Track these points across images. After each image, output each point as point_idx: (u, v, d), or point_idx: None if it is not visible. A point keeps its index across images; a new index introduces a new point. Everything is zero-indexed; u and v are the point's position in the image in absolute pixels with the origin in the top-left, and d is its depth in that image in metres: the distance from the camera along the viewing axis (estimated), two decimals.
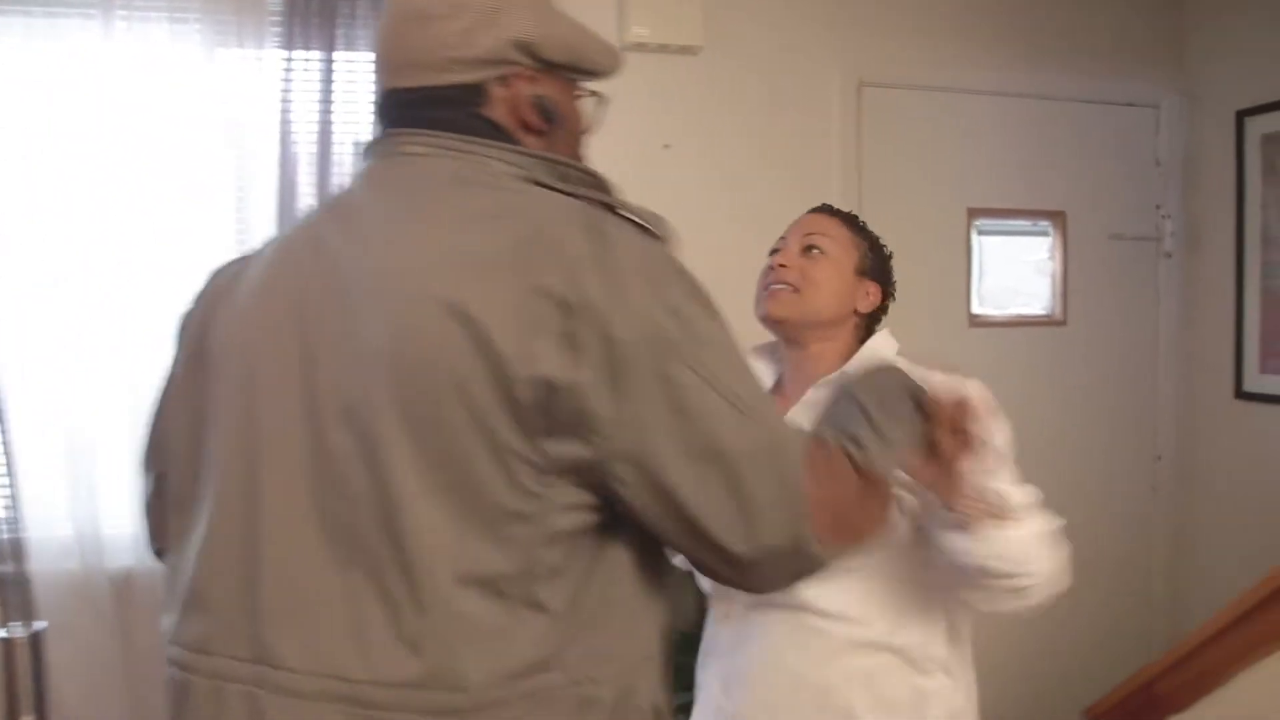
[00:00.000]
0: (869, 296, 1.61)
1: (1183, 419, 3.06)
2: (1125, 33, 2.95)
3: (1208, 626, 2.17)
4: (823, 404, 1.26)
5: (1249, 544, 2.78)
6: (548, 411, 0.79)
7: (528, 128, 1.01)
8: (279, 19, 2.28)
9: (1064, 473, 2.65)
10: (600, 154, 2.41)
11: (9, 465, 2.11)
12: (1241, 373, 2.86)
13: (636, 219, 0.96)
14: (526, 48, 0.99)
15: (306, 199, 2.30)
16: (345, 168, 2.31)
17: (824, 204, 1.68)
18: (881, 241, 1.66)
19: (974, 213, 2.83)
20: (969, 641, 1.59)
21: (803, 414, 1.55)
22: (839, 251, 1.59)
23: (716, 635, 1.58)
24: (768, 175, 2.62)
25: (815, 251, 1.58)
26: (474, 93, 0.97)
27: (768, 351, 1.69)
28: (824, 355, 1.58)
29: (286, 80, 2.29)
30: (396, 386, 0.81)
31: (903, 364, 1.43)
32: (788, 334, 1.61)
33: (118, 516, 2.24)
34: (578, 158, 1.09)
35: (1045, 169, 2.92)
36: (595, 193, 0.98)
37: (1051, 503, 1.35)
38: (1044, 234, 2.98)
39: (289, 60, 2.29)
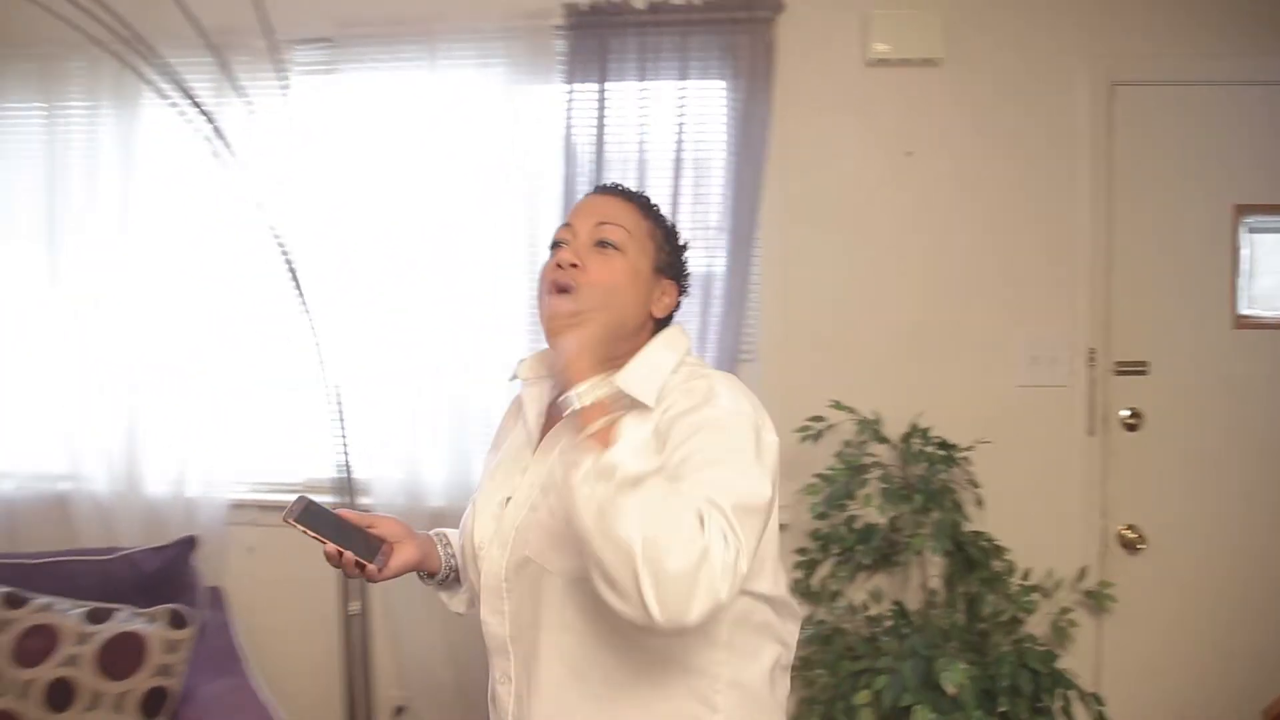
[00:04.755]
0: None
1: None
2: None
3: None
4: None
5: None
6: None
7: None
8: (563, 58, 2.89)
9: None
10: (844, 163, 2.83)
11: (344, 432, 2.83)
12: None
13: None
14: None
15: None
16: (615, 174, 2.86)
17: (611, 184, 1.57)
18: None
19: (1242, 209, 2.91)
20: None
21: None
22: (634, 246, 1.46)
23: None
24: (1011, 179, 2.88)
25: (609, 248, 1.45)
26: None
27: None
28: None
29: (569, 106, 2.89)
30: None
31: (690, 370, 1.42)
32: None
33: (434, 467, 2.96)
34: None
35: None
36: None
37: None
38: None
39: (570, 91, 2.89)
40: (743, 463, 1.25)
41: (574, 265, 1.40)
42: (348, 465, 2.50)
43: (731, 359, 2.82)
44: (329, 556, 1.42)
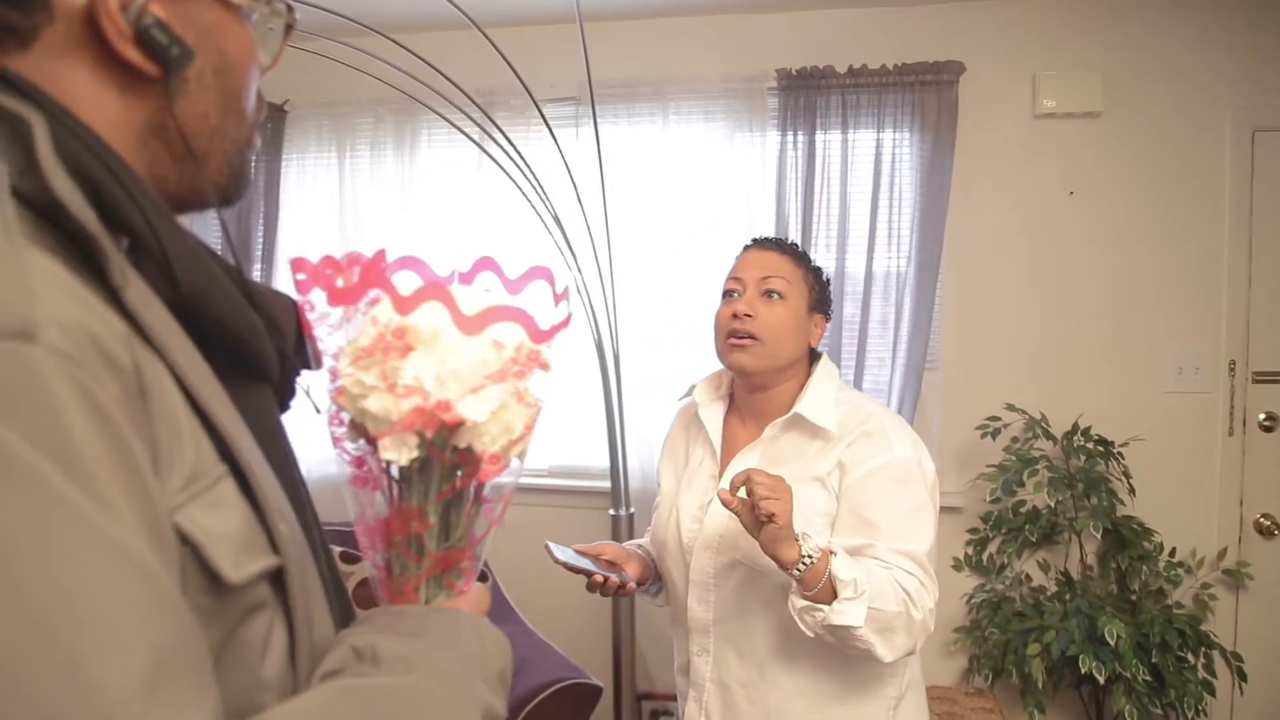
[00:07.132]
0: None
1: None
2: None
3: None
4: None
5: None
6: None
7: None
8: (775, 114, 3.54)
9: None
10: (1016, 201, 3.43)
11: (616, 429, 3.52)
12: None
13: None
14: None
15: (795, 233, 3.52)
16: (820, 212, 3.50)
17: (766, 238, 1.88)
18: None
19: None
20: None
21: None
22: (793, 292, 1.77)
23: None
24: (1162, 213, 3.43)
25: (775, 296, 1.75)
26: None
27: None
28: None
29: (780, 154, 3.54)
30: None
31: (845, 395, 1.76)
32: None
33: None
34: (224, 134, 0.76)
35: None
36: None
37: None
38: None
39: (782, 140, 3.53)
40: (922, 515, 1.65)
41: (748, 315, 1.73)
42: (622, 459, 3.19)
43: (918, 368, 3.44)
44: (594, 584, 1.73)
